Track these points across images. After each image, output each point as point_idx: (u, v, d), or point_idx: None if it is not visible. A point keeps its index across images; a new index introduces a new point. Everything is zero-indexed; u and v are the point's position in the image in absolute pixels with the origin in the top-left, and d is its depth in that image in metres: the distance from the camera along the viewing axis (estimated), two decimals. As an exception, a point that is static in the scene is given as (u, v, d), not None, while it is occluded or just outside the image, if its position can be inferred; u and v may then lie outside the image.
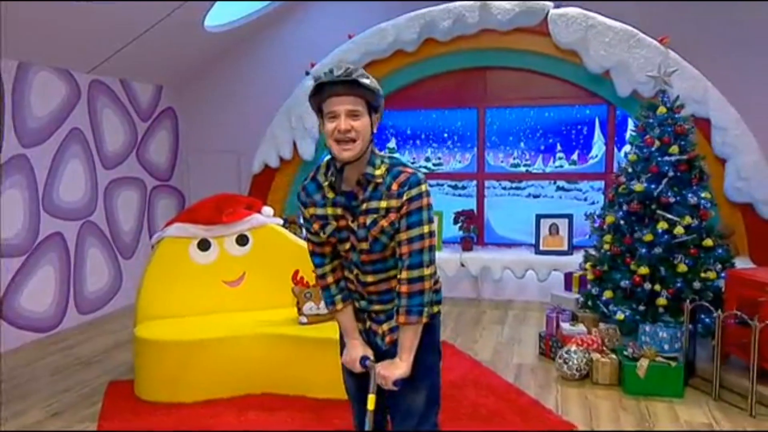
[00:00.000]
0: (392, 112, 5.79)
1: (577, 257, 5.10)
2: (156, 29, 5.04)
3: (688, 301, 3.53)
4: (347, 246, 1.83)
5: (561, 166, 5.56)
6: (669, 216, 3.76)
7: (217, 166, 6.36)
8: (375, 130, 1.78)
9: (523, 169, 5.67)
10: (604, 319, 3.97)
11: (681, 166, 3.83)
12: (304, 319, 3.54)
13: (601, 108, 5.38)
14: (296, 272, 3.64)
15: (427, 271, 1.76)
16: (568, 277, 4.61)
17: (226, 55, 6.22)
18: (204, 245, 3.75)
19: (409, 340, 1.78)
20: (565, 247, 5.22)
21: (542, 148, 5.61)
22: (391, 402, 1.90)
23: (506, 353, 4.15)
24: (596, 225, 5.02)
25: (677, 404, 3.31)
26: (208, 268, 3.75)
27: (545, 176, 5.60)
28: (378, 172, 1.76)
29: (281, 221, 4.03)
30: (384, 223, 1.74)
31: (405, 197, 1.72)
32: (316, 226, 1.85)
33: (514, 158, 5.68)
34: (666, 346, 3.51)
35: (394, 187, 1.73)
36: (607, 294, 3.96)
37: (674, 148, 3.84)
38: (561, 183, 5.59)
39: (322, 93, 1.69)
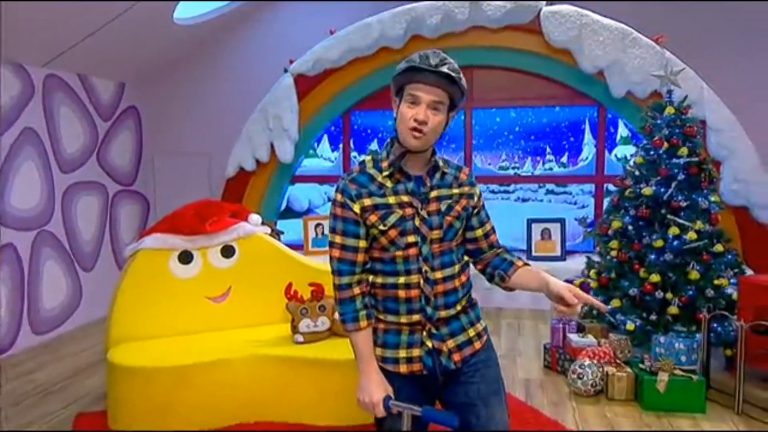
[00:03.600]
0: (375, 112, 5.51)
1: (571, 263, 4.96)
2: (119, 21, 4.60)
3: (705, 310, 3.38)
4: (411, 239, 1.69)
5: (551, 169, 5.39)
6: (681, 221, 3.61)
7: (185, 169, 5.92)
8: (446, 130, 1.74)
9: (511, 172, 5.48)
10: (612, 329, 3.80)
11: (691, 169, 3.69)
12: (301, 338, 3.21)
13: (592, 109, 5.24)
14: (289, 286, 3.31)
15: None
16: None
17: (196, 50, 5.79)
18: (185, 258, 3.37)
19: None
20: (558, 253, 5.06)
21: (531, 150, 5.43)
22: (482, 423, 1.70)
23: (510, 367, 3.92)
24: (589, 229, 4.90)
25: (701, 420, 3.15)
26: (190, 283, 3.38)
27: (535, 179, 5.43)
28: (441, 163, 1.77)
29: (269, 229, 3.69)
30: (458, 207, 1.74)
31: (477, 189, 1.81)
32: (373, 218, 1.69)
33: (502, 161, 5.49)
34: (683, 358, 3.35)
35: (462, 176, 1.79)
36: (615, 303, 3.79)
37: (683, 150, 3.71)
38: (550, 186, 5.43)
39: (411, 75, 1.64)
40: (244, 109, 5.48)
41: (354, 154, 5.64)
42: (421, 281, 1.68)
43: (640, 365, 3.41)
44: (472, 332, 1.75)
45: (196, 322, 3.37)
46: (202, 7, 5.41)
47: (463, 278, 1.75)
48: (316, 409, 3.01)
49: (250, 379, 3.04)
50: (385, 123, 5.55)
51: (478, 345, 1.75)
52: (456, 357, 1.71)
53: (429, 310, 1.69)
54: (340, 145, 5.65)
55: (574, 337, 3.74)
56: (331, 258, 1.74)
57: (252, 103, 5.41)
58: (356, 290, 1.72)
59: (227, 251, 3.45)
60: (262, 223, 3.70)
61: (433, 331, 1.70)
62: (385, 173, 1.69)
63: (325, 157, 5.72)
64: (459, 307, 1.73)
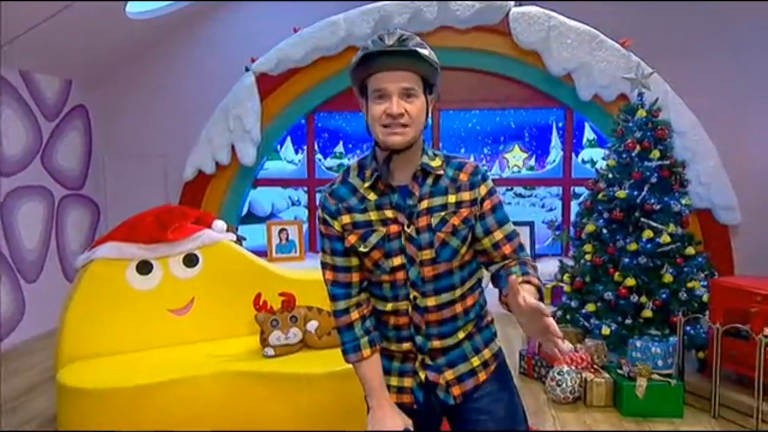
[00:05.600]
0: (342, 113, 5.35)
1: (541, 266, 4.90)
2: (65, 13, 4.28)
3: (681, 313, 3.38)
4: (397, 261, 1.46)
5: (518, 172, 5.36)
6: (654, 224, 3.60)
7: (138, 171, 5.60)
8: (430, 114, 1.46)
9: (479, 174, 5.41)
10: (587, 334, 3.76)
11: (663, 172, 3.69)
12: (271, 351, 3.02)
13: (558, 112, 5.24)
14: (258, 296, 3.11)
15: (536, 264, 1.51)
16: (539, 288, 4.38)
17: (151, 46, 5.48)
18: (144, 268, 3.13)
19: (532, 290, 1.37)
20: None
21: (499, 152, 5.38)
22: None
23: (485, 375, 3.83)
24: (558, 233, 4.89)
25: (679, 424, 3.13)
26: (149, 295, 3.14)
27: (503, 182, 5.38)
28: (435, 163, 1.48)
29: (234, 236, 3.48)
30: (455, 220, 1.45)
31: (483, 189, 1.48)
32: (353, 239, 1.47)
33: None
34: (659, 362, 3.33)
35: (463, 177, 1.48)
36: (590, 307, 3.75)
37: (655, 153, 3.71)
38: (518, 189, 5.40)
39: (368, 66, 1.39)
40: (202, 109, 5.22)
41: (319, 156, 5.46)
42: (410, 309, 1.47)
43: (618, 371, 3.37)
44: (476, 361, 1.52)
45: (156, 337, 3.13)
46: (157, 2, 5.12)
47: (469, 302, 1.51)
48: (289, 428, 2.83)
49: (218, 397, 2.83)
50: (351, 125, 5.39)
51: (483, 377, 1.52)
52: (456, 391, 1.50)
53: (419, 339, 1.49)
54: (305, 147, 5.46)
55: (550, 343, 3.68)
56: (325, 281, 1.54)
57: (211, 102, 5.17)
58: (354, 315, 1.51)
59: (190, 260, 3.23)
60: (227, 230, 3.50)
61: (428, 361, 1.50)
62: (367, 184, 1.47)
63: (288, 160, 5.52)
64: (462, 335, 1.50)
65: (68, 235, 5.32)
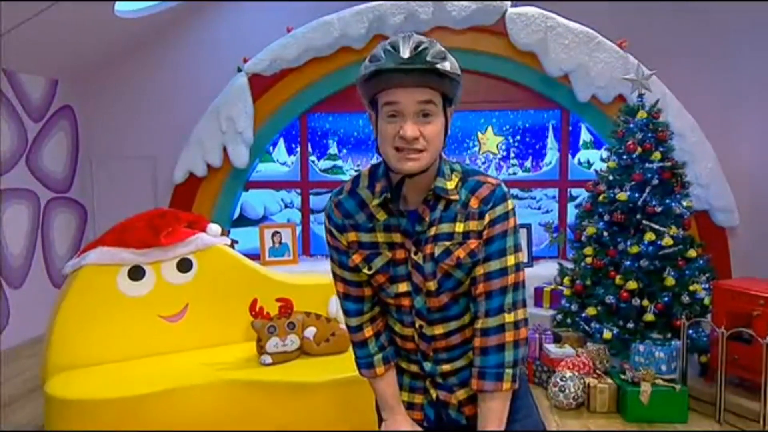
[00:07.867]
0: (335, 114, 5.26)
1: (539, 269, 4.86)
2: (52, 11, 4.16)
3: (684, 317, 3.34)
4: (402, 287, 1.36)
5: (515, 174, 5.30)
6: (656, 226, 3.56)
7: (127, 174, 5.47)
8: (449, 132, 1.31)
9: (474, 177, 5.34)
10: (587, 338, 3.71)
11: (664, 174, 3.65)
12: (268, 359, 2.93)
13: (555, 113, 5.19)
14: (254, 302, 3.03)
15: (509, 318, 1.32)
16: (538, 291, 4.32)
17: (140, 45, 5.36)
18: (136, 273, 3.03)
19: (493, 413, 1.32)
20: (525, 259, 4.93)
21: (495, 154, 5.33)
22: None
23: (485, 380, 3.76)
24: (555, 235, 4.84)
25: (683, 430, 3.08)
26: (141, 301, 3.04)
27: (498, 185, 5.32)
28: (450, 185, 1.32)
29: (229, 240, 3.39)
30: (460, 253, 1.31)
31: (488, 217, 1.31)
32: (357, 259, 1.37)
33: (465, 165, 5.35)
34: (663, 367, 3.29)
35: (473, 203, 1.31)
36: (590, 311, 3.70)
37: (656, 155, 3.67)
38: (514, 191, 5.33)
39: (379, 80, 1.22)
40: (192, 110, 5.11)
41: (312, 158, 5.37)
42: (416, 336, 1.39)
43: (621, 376, 3.32)
44: None
45: (149, 345, 3.03)
46: (148, 0, 5.01)
47: None
48: (287, 438, 2.75)
49: (213, 407, 2.74)
50: (345, 126, 5.30)
51: None
52: (468, 411, 1.41)
53: (428, 366, 1.41)
54: (298, 149, 5.36)
55: (551, 348, 3.63)
56: (337, 292, 1.47)
57: (201, 103, 5.05)
58: (368, 332, 1.43)
59: (184, 265, 3.13)
60: (221, 233, 3.40)
61: (439, 380, 1.42)
62: (376, 201, 1.33)
63: (281, 162, 5.42)
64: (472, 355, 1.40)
65: (55, 239, 5.18)
